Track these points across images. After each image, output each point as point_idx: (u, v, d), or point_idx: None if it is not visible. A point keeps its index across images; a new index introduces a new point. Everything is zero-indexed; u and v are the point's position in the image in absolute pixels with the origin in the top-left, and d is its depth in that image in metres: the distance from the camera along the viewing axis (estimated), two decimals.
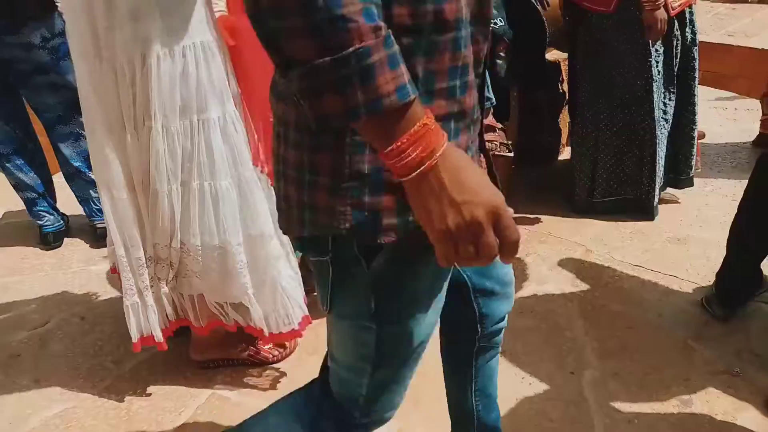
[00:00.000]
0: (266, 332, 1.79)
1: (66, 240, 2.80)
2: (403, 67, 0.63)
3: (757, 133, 3.42)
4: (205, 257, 1.68)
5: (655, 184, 2.67)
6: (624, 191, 2.76)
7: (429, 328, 0.95)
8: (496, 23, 2.52)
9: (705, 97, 3.75)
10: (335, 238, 0.82)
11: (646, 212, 2.72)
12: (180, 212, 1.63)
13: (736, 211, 2.02)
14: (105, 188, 1.63)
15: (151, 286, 1.72)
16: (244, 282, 1.72)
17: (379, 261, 0.82)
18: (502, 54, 2.56)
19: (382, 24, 0.62)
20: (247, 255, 1.71)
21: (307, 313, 1.86)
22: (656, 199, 2.72)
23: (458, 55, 0.76)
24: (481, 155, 0.97)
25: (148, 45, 1.47)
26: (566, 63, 2.89)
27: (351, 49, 0.60)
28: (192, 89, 1.54)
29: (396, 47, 0.63)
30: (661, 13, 2.33)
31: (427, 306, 0.91)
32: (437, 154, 0.65)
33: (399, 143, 0.64)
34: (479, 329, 1.25)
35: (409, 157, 0.65)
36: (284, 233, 0.90)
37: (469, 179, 0.66)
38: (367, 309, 0.87)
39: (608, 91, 2.61)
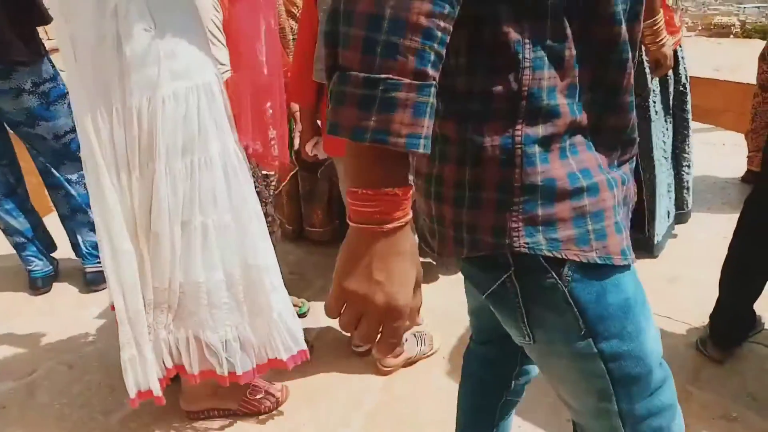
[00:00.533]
0: (259, 362, 1.78)
1: (55, 285, 2.77)
2: (428, 122, 0.64)
3: (745, 169, 3.45)
4: (207, 292, 1.67)
5: (655, 222, 2.68)
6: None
7: (657, 343, 0.88)
8: None
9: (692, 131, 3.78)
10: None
11: (647, 250, 2.72)
12: (180, 252, 1.62)
13: (727, 250, 2.02)
14: (106, 237, 1.62)
15: (149, 336, 1.69)
16: (242, 312, 1.73)
17: (569, 269, 0.77)
18: None
19: (430, 72, 0.63)
20: (246, 286, 1.71)
21: (305, 347, 1.83)
22: (658, 237, 2.71)
23: (626, 73, 0.78)
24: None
25: (153, 89, 1.50)
26: None
27: (384, 76, 0.61)
28: (194, 130, 1.56)
29: (432, 100, 0.64)
30: (668, 49, 2.30)
31: (644, 314, 0.86)
32: (387, 226, 0.65)
33: (366, 191, 0.65)
34: (512, 384, 1.21)
35: (365, 209, 0.65)
36: (439, 255, 0.86)
37: (397, 268, 0.66)
38: (576, 326, 0.80)
39: None
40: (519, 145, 0.74)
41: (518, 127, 0.74)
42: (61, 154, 2.55)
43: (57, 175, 2.61)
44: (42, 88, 2.46)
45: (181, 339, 1.74)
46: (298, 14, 2.24)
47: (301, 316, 2.36)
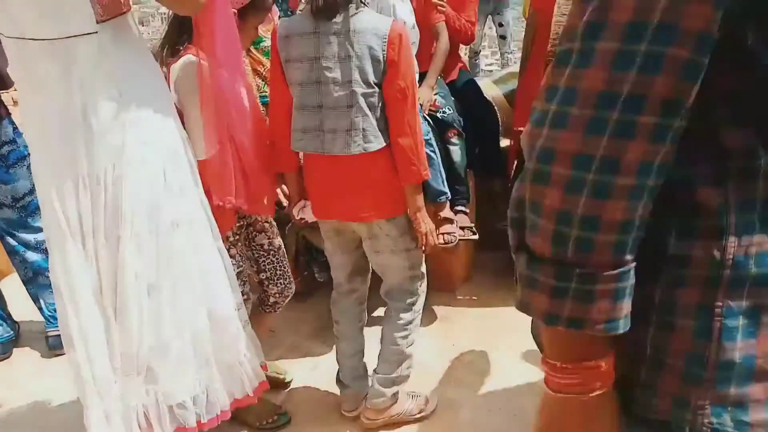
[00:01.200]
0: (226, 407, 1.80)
1: (15, 351, 2.66)
2: (627, 302, 0.60)
3: None
4: (177, 354, 1.67)
5: None
6: None
7: None
8: (445, 112, 2.58)
9: None
10: None
11: None
12: (148, 316, 1.61)
13: None
14: (71, 305, 1.59)
15: (118, 405, 1.65)
16: (211, 365, 1.74)
17: None
18: (453, 139, 2.62)
19: (629, 257, 0.60)
20: (214, 341, 1.74)
21: (264, 378, 1.92)
22: None
23: None
24: None
25: (118, 156, 1.51)
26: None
27: (579, 271, 0.58)
28: (159, 194, 1.58)
29: (632, 281, 0.60)
30: None
31: None
32: (590, 395, 0.62)
33: (565, 365, 0.62)
34: None
35: (564, 381, 0.62)
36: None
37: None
38: None
39: None
40: (718, 318, 0.64)
41: (719, 297, 0.64)
42: (19, 217, 2.50)
43: (15, 240, 2.55)
44: (1, 150, 2.41)
45: (150, 405, 1.70)
46: (264, 72, 2.24)
47: (285, 385, 2.30)
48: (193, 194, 1.69)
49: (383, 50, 1.66)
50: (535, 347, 2.52)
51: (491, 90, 3.22)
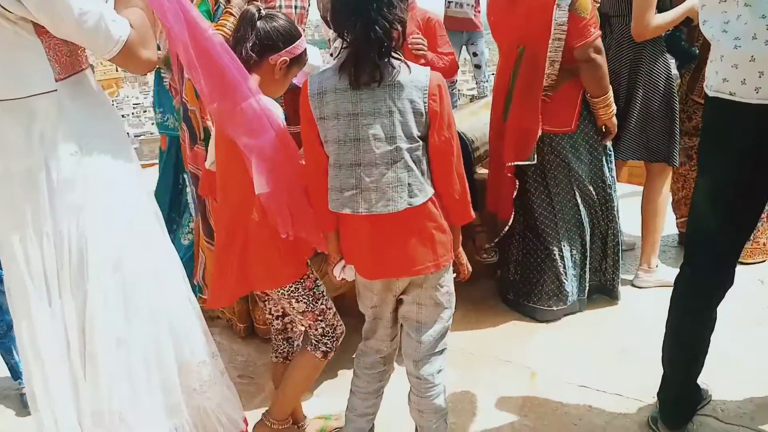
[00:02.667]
0: None
1: None
2: None
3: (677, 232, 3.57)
4: (148, 404, 1.64)
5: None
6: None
7: None
8: None
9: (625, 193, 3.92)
10: None
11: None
12: (118, 371, 1.58)
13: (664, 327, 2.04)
14: (36, 365, 1.55)
15: None
16: (182, 411, 1.72)
17: None
18: None
19: None
20: (184, 385, 1.72)
21: (243, 428, 1.92)
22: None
23: None
24: None
25: (80, 210, 1.52)
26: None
27: None
28: (124, 245, 1.58)
29: None
30: (614, 117, 2.70)
31: None
32: None
33: None
34: None
35: None
36: None
37: None
38: None
39: (571, 206, 2.81)
40: None
41: None
42: None
43: None
44: None
45: None
46: None
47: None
48: (159, 244, 1.69)
49: (425, 102, 1.62)
50: (514, 380, 2.48)
51: (464, 121, 3.23)
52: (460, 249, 1.85)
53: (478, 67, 6.43)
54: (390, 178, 1.64)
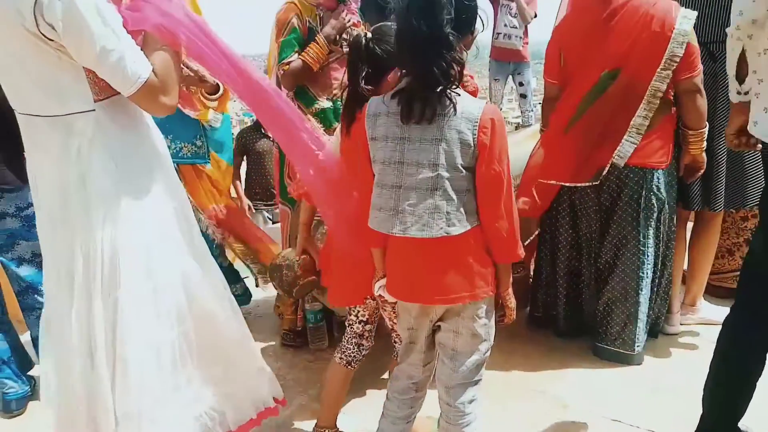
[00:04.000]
0: None
1: (31, 404, 2.66)
2: None
3: None
4: (180, 402, 1.71)
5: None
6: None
7: None
8: None
9: None
10: None
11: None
12: (149, 374, 1.63)
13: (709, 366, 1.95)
14: (60, 358, 1.63)
15: None
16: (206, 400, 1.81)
17: None
18: None
19: None
20: (207, 373, 1.79)
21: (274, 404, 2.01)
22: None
23: None
24: None
25: (115, 223, 1.58)
26: None
27: None
28: (155, 258, 1.64)
29: None
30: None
31: None
32: None
33: None
34: None
35: None
36: None
37: None
38: None
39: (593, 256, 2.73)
40: None
41: None
42: (39, 275, 2.53)
43: (33, 296, 2.58)
44: (26, 212, 2.48)
45: None
46: None
47: None
48: (187, 256, 1.75)
49: (474, 134, 1.60)
50: (545, 411, 2.41)
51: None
52: (508, 290, 1.78)
53: (524, 96, 6.42)
54: (429, 205, 1.63)
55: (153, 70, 1.53)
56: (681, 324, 2.96)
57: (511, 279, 1.78)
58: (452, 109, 1.60)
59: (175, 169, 2.22)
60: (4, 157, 2.39)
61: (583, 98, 2.55)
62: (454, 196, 1.62)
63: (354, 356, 2.11)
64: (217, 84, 2.62)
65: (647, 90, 2.45)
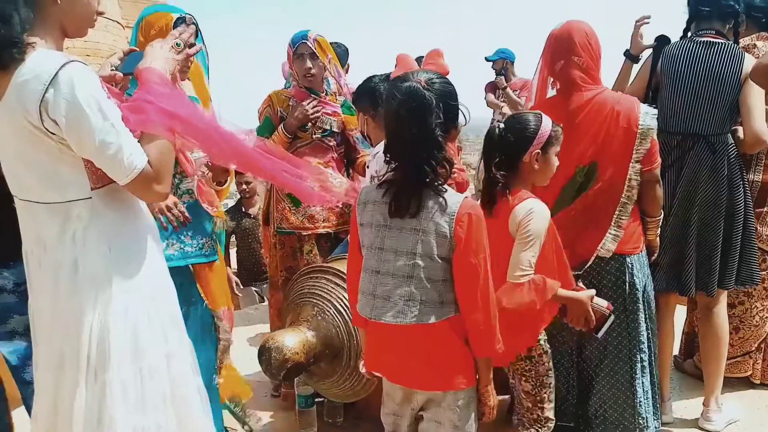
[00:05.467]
0: None
1: None
2: None
3: None
4: None
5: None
6: None
7: None
8: None
9: None
10: None
11: None
12: None
13: None
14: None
15: None
16: None
17: None
18: None
19: None
20: None
21: None
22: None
23: None
24: None
25: (105, 305, 1.61)
26: None
27: None
28: (144, 339, 1.66)
29: None
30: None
31: None
32: None
33: None
34: None
35: None
36: None
37: None
38: None
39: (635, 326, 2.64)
40: None
41: None
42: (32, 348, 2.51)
43: (26, 369, 2.55)
44: (23, 287, 2.46)
45: None
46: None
47: None
48: (174, 339, 1.76)
49: (450, 227, 1.64)
50: None
51: None
52: (488, 387, 1.78)
53: None
54: (404, 292, 1.68)
55: (148, 161, 1.59)
56: (703, 429, 2.87)
57: (491, 374, 1.79)
58: (438, 204, 1.66)
59: (190, 268, 2.28)
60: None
61: (561, 193, 2.60)
62: (429, 285, 1.67)
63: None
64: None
65: (625, 183, 2.54)
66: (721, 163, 2.74)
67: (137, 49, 1.86)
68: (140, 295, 1.68)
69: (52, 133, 1.51)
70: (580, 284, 2.17)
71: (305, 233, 3.13)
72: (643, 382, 2.59)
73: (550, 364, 2.07)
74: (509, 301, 1.93)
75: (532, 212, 1.95)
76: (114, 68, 1.88)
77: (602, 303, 2.06)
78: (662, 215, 2.66)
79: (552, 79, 2.61)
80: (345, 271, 2.10)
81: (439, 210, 1.66)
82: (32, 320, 1.74)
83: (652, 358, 2.67)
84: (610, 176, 2.54)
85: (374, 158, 2.72)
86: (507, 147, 2.03)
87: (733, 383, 3.13)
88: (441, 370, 1.72)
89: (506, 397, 2.58)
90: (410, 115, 1.62)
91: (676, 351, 3.32)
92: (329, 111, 3.11)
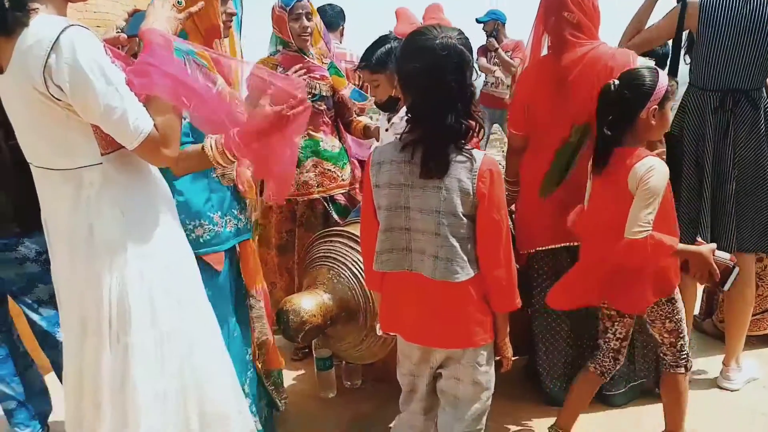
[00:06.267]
0: None
1: None
2: None
3: None
4: None
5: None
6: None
7: None
8: None
9: None
10: None
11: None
12: (154, 418, 1.65)
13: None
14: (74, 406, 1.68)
15: None
16: None
17: None
18: None
19: None
20: None
21: None
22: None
23: None
24: None
25: (121, 270, 1.63)
26: None
27: None
28: (158, 305, 1.67)
29: None
30: None
31: None
32: None
33: None
34: None
35: None
36: None
37: None
38: None
39: None
40: None
41: None
42: (57, 315, 2.56)
43: (53, 336, 2.60)
44: (45, 256, 2.51)
45: None
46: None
47: None
48: (193, 304, 1.78)
49: (473, 183, 1.64)
50: None
51: None
52: (505, 340, 1.81)
53: None
54: (433, 249, 1.68)
55: (154, 125, 1.58)
56: (722, 388, 2.85)
57: (508, 328, 1.81)
58: (459, 161, 1.65)
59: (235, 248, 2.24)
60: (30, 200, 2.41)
61: (557, 155, 2.52)
62: (456, 243, 1.67)
63: (609, 369, 2.26)
64: None
65: None
66: (760, 118, 2.64)
67: (141, 9, 1.84)
68: (154, 262, 1.68)
69: (57, 99, 1.51)
70: (699, 239, 2.20)
71: (300, 199, 3.17)
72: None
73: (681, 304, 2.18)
74: (628, 258, 1.97)
75: (653, 169, 1.95)
76: (119, 30, 1.87)
77: (724, 255, 2.07)
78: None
79: (547, 37, 2.52)
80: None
81: (461, 167, 1.65)
82: (56, 287, 1.76)
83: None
84: None
85: (402, 120, 2.67)
86: (622, 104, 2.01)
87: (752, 341, 3.10)
88: (462, 327, 1.72)
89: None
90: (450, 71, 1.61)
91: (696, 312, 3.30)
92: (317, 75, 3.08)
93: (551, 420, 2.43)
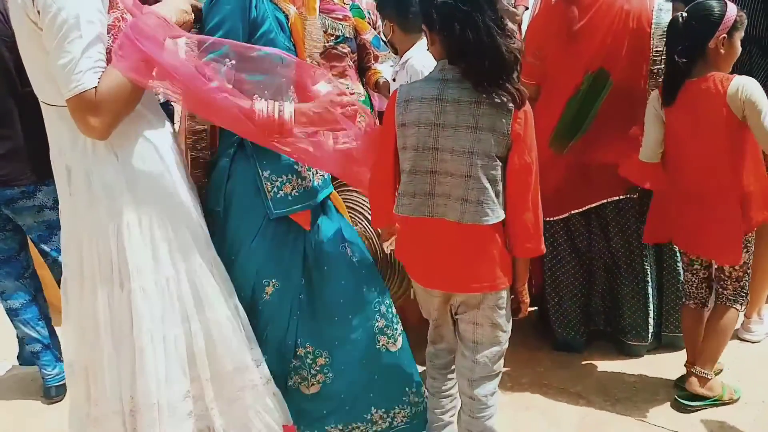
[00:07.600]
0: None
1: None
2: None
3: None
4: (183, 406, 1.70)
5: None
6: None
7: None
8: None
9: None
10: None
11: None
12: (162, 366, 1.65)
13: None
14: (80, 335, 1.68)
15: None
16: (212, 414, 1.76)
17: None
18: None
19: None
20: (218, 391, 1.76)
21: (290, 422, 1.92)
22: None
23: None
24: None
25: (119, 216, 1.61)
26: None
27: None
28: (160, 251, 1.66)
29: None
30: None
31: None
32: None
33: None
34: None
35: None
36: None
37: None
38: None
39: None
40: None
41: None
42: None
43: None
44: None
45: None
46: None
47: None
48: (192, 251, 1.73)
49: (508, 124, 1.59)
50: (567, 407, 2.33)
51: None
52: (524, 285, 1.78)
53: None
54: (462, 192, 1.62)
55: (95, 87, 1.48)
56: (742, 340, 2.81)
57: (527, 274, 1.77)
58: (494, 101, 1.58)
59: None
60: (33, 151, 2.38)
61: (569, 103, 2.41)
62: (488, 185, 1.61)
63: (706, 298, 2.30)
64: None
65: (642, 87, 2.35)
66: None
67: None
68: (153, 208, 1.64)
69: (40, 27, 1.46)
70: None
71: None
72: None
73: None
74: None
75: (746, 84, 1.97)
76: None
77: None
78: None
79: None
80: None
81: (496, 107, 1.59)
82: (62, 228, 1.73)
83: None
84: (625, 84, 2.34)
85: (404, 68, 2.57)
86: (691, 34, 2.02)
87: None
88: (487, 270, 1.68)
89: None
90: (484, 6, 1.55)
91: None
92: (339, 16, 2.86)
93: (562, 365, 2.45)
